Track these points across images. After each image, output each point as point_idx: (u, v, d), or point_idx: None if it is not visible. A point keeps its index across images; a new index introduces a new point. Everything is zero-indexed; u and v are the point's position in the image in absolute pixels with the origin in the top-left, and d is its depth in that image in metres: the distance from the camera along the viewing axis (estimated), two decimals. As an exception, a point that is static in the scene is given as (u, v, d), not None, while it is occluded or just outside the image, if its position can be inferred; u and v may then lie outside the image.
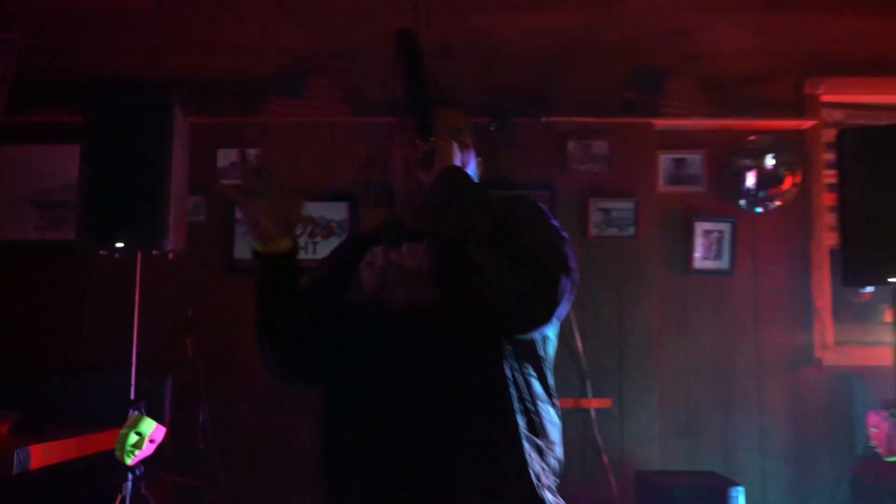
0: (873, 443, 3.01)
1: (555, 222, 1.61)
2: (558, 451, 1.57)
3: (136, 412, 2.74)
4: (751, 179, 4.06)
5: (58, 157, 4.09)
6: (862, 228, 2.76)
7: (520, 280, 1.38)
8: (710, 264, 4.06)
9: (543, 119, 3.97)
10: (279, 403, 3.74)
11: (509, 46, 4.15)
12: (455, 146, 1.58)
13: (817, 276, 4.04)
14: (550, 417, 1.55)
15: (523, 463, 1.44)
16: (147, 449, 2.73)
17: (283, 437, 3.76)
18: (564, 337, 3.77)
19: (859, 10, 4.11)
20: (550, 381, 1.62)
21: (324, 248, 3.95)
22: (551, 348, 1.65)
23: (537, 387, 1.56)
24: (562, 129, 4.00)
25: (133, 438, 2.69)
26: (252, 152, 3.99)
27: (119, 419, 2.88)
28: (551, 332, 1.62)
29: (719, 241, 4.07)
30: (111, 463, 2.78)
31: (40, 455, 2.72)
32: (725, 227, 4.06)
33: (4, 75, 4.21)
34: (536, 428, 1.51)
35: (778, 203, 4.03)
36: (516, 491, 1.44)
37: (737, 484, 3.11)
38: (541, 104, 4.00)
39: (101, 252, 2.80)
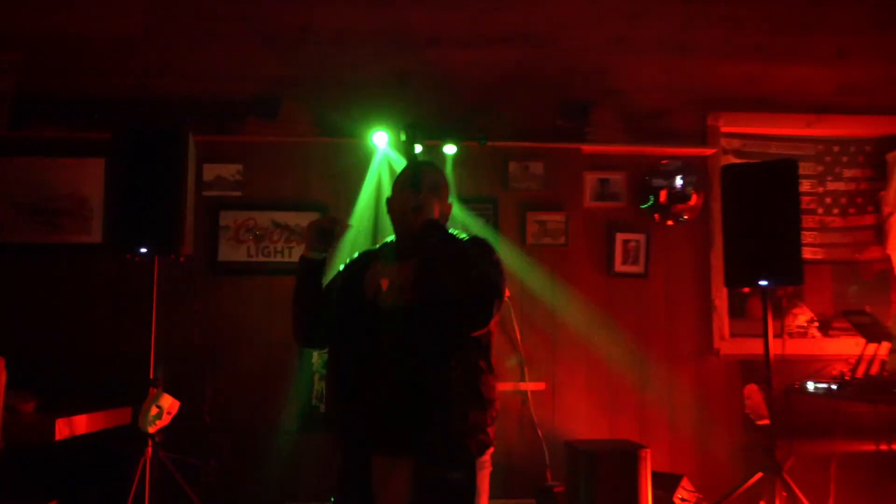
0: (748, 411, 3.71)
1: (497, 258, 2.32)
2: (495, 403, 2.25)
3: (156, 388, 3.25)
4: (663, 197, 4.76)
5: (57, 169, 4.53)
6: (739, 242, 3.49)
7: (469, 300, 2.11)
8: (628, 269, 4.74)
9: (488, 143, 4.56)
10: (251, 385, 4.28)
11: (457, 78, 4.75)
12: (434, 201, 2.28)
13: (716, 279, 4.74)
14: (486, 381, 2.23)
15: (461, 405, 2.13)
16: (165, 420, 3.26)
17: (255, 412, 4.30)
18: (506, 330, 4.43)
19: (748, 56, 4.88)
20: (488, 359, 2.30)
21: (298, 252, 4.49)
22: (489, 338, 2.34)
23: (473, 358, 2.24)
24: (504, 152, 4.63)
25: (154, 411, 3.21)
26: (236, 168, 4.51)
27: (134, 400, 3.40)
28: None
29: (636, 249, 4.76)
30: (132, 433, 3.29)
31: (77, 424, 3.23)
32: (641, 237, 4.75)
33: (5, 93, 4.62)
34: (470, 385, 2.19)
35: (685, 217, 4.73)
36: (447, 427, 2.11)
37: (646, 447, 3.79)
38: (485, 130, 4.60)
39: (127, 255, 3.30)
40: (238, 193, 4.55)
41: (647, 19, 4.87)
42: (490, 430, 2.23)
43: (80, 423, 3.27)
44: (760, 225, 3.40)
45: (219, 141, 4.50)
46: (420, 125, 4.40)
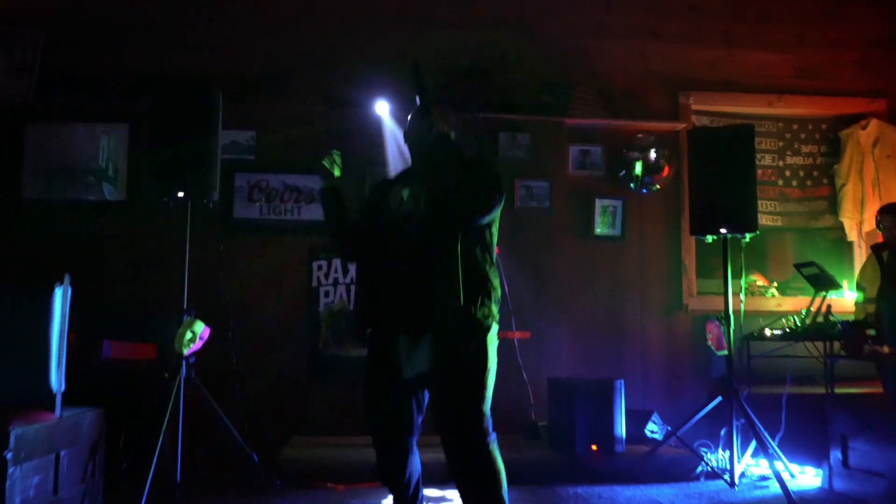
0: (710, 342, 4.19)
1: (498, 172, 2.70)
2: (497, 290, 2.63)
3: (189, 316, 3.67)
4: (638, 168, 5.24)
5: (80, 133, 4.93)
6: (702, 196, 3.97)
7: (475, 196, 2.52)
8: (607, 232, 5.24)
9: (480, 115, 5.01)
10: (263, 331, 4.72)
11: (451, 57, 5.19)
12: (443, 122, 2.69)
13: (686, 242, 5.25)
14: (490, 270, 2.62)
15: (463, 293, 2.51)
16: (197, 345, 3.67)
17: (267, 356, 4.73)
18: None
19: (714, 42, 5.42)
20: (491, 251, 2.67)
21: (307, 212, 4.94)
22: (494, 229, 2.70)
23: (478, 252, 2.61)
24: (494, 124, 5.09)
25: (188, 335, 3.62)
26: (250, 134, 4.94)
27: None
28: (490, 221, 2.67)
29: (614, 214, 5.25)
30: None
31: (115, 349, 3.64)
32: (619, 203, 5.24)
33: (31, 64, 5.01)
34: (476, 273, 2.57)
35: (658, 186, 5.23)
36: (460, 308, 2.50)
37: (619, 379, 4.26)
38: (478, 103, 5.06)
39: (164, 199, 3.72)
40: (251, 157, 4.96)
41: (622, 7, 5.38)
42: (495, 309, 2.61)
43: (120, 349, 3.69)
44: (721, 181, 3.87)
45: (234, 109, 4.88)
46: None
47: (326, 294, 4.94)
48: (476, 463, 2.49)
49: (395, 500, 2.74)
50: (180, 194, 3.68)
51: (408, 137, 2.85)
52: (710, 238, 4.07)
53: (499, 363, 2.67)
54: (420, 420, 2.66)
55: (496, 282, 2.66)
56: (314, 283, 4.94)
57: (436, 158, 2.62)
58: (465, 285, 2.51)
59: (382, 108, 4.89)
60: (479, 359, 2.54)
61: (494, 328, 2.62)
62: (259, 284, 4.84)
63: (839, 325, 4.12)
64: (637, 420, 4.58)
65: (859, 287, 4.64)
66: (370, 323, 2.69)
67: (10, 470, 2.57)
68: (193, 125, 3.72)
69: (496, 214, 2.66)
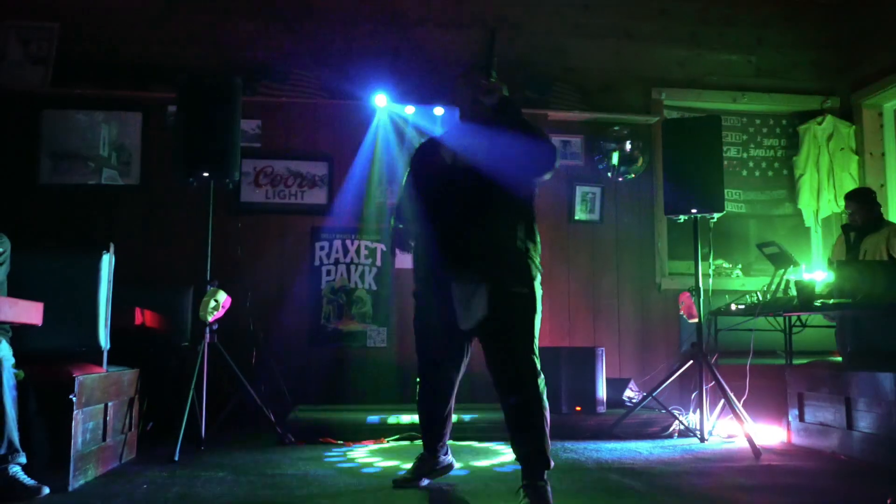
0: (682, 312, 4.62)
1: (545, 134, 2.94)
2: (539, 244, 2.92)
3: (212, 286, 4.01)
4: (615, 158, 5.68)
5: (94, 121, 5.23)
6: (675, 180, 4.40)
7: (535, 152, 2.78)
8: (586, 217, 5.66)
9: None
10: (266, 307, 5.06)
11: (441, 53, 5.58)
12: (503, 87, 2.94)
13: (659, 226, 5.71)
14: (534, 224, 2.92)
15: (518, 242, 2.81)
16: (219, 312, 4.01)
17: (270, 330, 5.08)
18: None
19: (681, 43, 5.90)
20: (533, 216, 2.95)
21: (309, 195, 5.29)
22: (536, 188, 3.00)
23: (528, 206, 2.91)
24: (483, 115, 5.48)
25: (212, 304, 3.96)
26: (256, 122, 5.28)
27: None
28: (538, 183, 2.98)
29: (593, 200, 5.67)
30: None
31: (148, 317, 3.96)
32: (597, 190, 5.67)
33: (47, 56, 5.29)
34: (528, 226, 2.87)
35: (633, 175, 5.67)
36: (515, 256, 2.81)
37: (600, 346, 4.69)
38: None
39: (190, 179, 4.06)
40: (258, 145, 5.30)
41: (599, 9, 5.84)
42: (538, 259, 2.88)
43: (149, 317, 4.01)
44: (692, 167, 4.31)
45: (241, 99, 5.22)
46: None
47: (328, 273, 5.29)
48: (528, 397, 2.71)
49: (428, 438, 3.04)
50: (205, 174, 4.01)
51: (458, 95, 3.00)
52: (682, 218, 4.50)
53: None
54: (466, 360, 2.93)
55: (538, 236, 2.93)
56: (316, 263, 5.30)
57: (503, 119, 2.80)
58: (519, 236, 2.78)
59: (381, 100, 5.27)
60: (530, 302, 2.78)
61: (539, 276, 2.87)
62: (264, 264, 5.17)
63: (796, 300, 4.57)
64: (615, 387, 5.01)
65: (830, 264, 5.11)
66: (426, 272, 2.92)
67: (75, 412, 2.89)
68: (218, 111, 4.05)
69: None
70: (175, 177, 4.12)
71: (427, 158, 3.02)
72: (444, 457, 3.15)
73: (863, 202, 4.83)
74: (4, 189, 5.07)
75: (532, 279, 2.83)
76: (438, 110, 5.35)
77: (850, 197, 4.98)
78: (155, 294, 4.62)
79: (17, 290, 3.06)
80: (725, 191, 5.77)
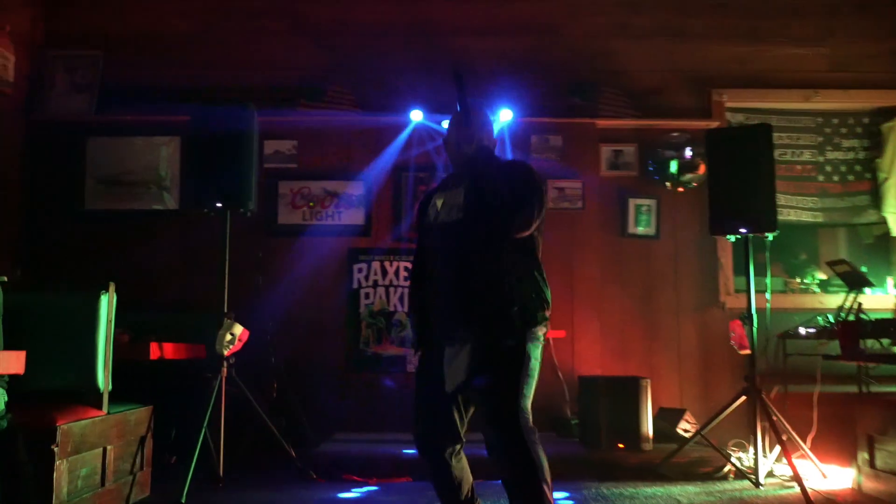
0: (732, 341, 4.20)
1: (536, 176, 2.65)
2: (543, 293, 2.62)
3: (229, 319, 3.91)
4: (674, 166, 5.28)
5: (136, 147, 5.26)
6: (721, 196, 4.00)
7: (516, 213, 2.55)
8: (641, 231, 5.29)
9: (512, 118, 5.12)
10: (303, 330, 4.95)
11: (478, 63, 5.29)
12: (481, 133, 2.74)
13: (722, 239, 5.24)
14: (531, 274, 2.62)
15: (504, 292, 2.54)
16: (236, 346, 3.91)
17: (307, 353, 4.95)
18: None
19: (741, 38, 5.41)
20: (534, 254, 2.66)
21: (346, 216, 5.15)
22: (537, 232, 2.69)
23: (519, 257, 2.59)
24: (525, 126, 5.20)
25: (228, 337, 3.86)
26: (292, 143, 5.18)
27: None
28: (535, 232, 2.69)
29: (648, 213, 5.29)
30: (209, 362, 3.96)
31: (167, 350, 3.90)
32: (653, 202, 5.28)
33: (91, 83, 5.37)
34: (517, 277, 2.56)
35: (694, 184, 5.24)
36: (500, 308, 2.52)
37: (646, 377, 4.33)
38: (507, 107, 5.15)
39: (204, 210, 3.98)
40: (294, 166, 5.21)
41: (646, 7, 5.44)
42: (539, 311, 2.57)
43: (169, 349, 3.95)
44: (740, 181, 3.90)
45: (276, 120, 5.16)
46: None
47: (367, 296, 5.14)
48: (512, 459, 2.46)
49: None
50: (218, 205, 3.92)
51: (448, 145, 2.85)
52: (731, 237, 4.09)
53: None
54: (463, 429, 2.66)
55: (541, 285, 2.63)
56: (354, 285, 5.15)
57: (475, 171, 2.63)
58: (503, 290, 2.52)
59: (416, 116, 5.07)
60: (515, 357, 2.52)
61: (539, 330, 2.58)
62: (302, 287, 5.06)
63: (870, 324, 4.09)
64: (669, 418, 4.64)
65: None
66: (421, 336, 2.73)
67: (57, 462, 2.83)
68: (230, 139, 3.95)
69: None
70: (188, 206, 4.04)
71: (421, 212, 2.85)
72: None
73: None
74: (54, 215, 5.18)
75: (520, 331, 2.54)
76: (478, 123, 5.09)
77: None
78: (191, 319, 4.58)
79: (15, 330, 3.03)
80: (799, 198, 5.36)
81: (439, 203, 2.73)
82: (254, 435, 4.09)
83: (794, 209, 5.40)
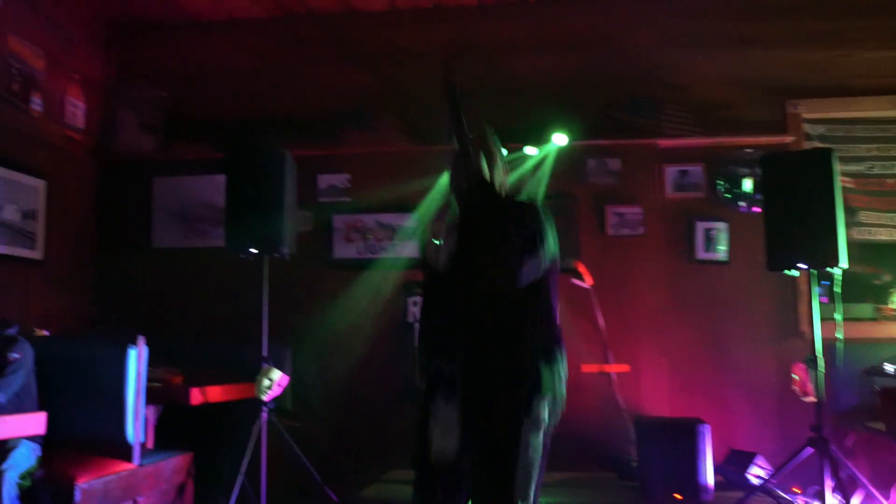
0: (795, 387, 3.82)
1: (539, 221, 2.45)
2: (554, 352, 2.39)
3: (267, 365, 3.91)
4: (748, 185, 4.92)
5: (198, 183, 5.39)
6: (778, 227, 3.65)
7: (503, 258, 2.39)
8: (710, 256, 4.94)
9: (567, 142, 4.89)
10: (360, 366, 4.88)
11: (529, 82, 5.13)
12: (487, 158, 2.58)
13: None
14: (540, 328, 2.42)
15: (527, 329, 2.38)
16: (276, 391, 3.91)
17: (364, 389, 4.89)
18: (589, 316, 4.76)
19: (819, 43, 4.95)
20: (546, 303, 2.43)
21: (400, 248, 5.09)
22: (552, 282, 2.47)
23: (523, 308, 2.40)
24: (582, 149, 4.96)
25: (266, 383, 3.86)
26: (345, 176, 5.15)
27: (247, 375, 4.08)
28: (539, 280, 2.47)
29: (717, 237, 4.94)
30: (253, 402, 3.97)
31: (209, 394, 3.94)
32: (722, 225, 4.93)
33: (157, 125, 5.54)
34: (536, 322, 2.39)
35: (770, 203, 4.86)
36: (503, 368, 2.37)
37: (704, 422, 4.02)
38: (562, 129, 4.91)
39: (241, 255, 4.00)
40: (347, 199, 5.19)
41: (710, 14, 5.07)
42: (547, 373, 2.35)
43: (214, 393, 3.98)
44: (799, 210, 3.55)
45: (329, 154, 5.17)
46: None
47: (421, 329, 5.05)
48: None
49: None
50: (253, 250, 3.93)
51: (450, 184, 2.67)
52: (792, 273, 3.74)
53: (596, 396, 2.29)
54: None
55: (549, 344, 2.38)
56: (409, 318, 5.07)
57: (472, 211, 2.45)
58: (502, 352, 2.33)
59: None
60: (513, 426, 2.30)
61: (543, 406, 2.32)
62: (356, 320, 5.02)
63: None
64: (738, 462, 4.30)
65: None
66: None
67: (79, 521, 2.89)
68: (265, 182, 3.95)
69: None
70: (229, 249, 4.07)
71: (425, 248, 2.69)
72: None
73: None
74: (123, 253, 5.36)
75: (531, 390, 2.32)
76: (530, 149, 4.91)
77: None
78: (253, 353, 4.64)
79: (49, 381, 3.15)
80: (891, 216, 4.90)
81: (430, 247, 2.56)
82: (295, 478, 4.08)
83: (885, 227, 4.92)
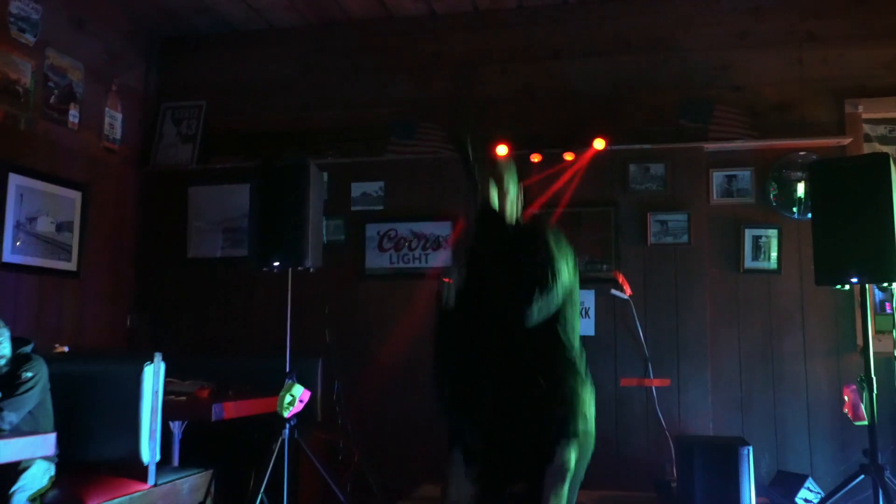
0: (845, 410, 3.55)
1: (550, 251, 2.38)
2: (575, 383, 2.33)
3: (290, 380, 3.84)
4: (801, 190, 4.64)
5: (235, 193, 5.34)
6: (828, 239, 3.38)
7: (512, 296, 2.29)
8: (759, 265, 4.68)
9: (608, 147, 4.71)
10: (393, 378, 4.78)
11: (579, 86, 4.99)
12: (499, 186, 2.49)
13: (859, 272, 4.54)
14: (560, 360, 2.35)
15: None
16: (297, 407, 3.83)
17: (396, 402, 4.78)
18: (629, 327, 4.57)
19: (884, 39, 4.64)
20: (566, 333, 2.38)
21: (433, 258, 4.96)
22: (570, 306, 2.42)
23: (551, 336, 2.34)
24: (623, 154, 4.75)
25: (288, 399, 3.78)
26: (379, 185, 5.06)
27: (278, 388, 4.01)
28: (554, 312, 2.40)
29: (767, 244, 4.67)
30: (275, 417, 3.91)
31: (230, 409, 3.89)
32: (773, 232, 4.66)
33: (195, 134, 5.54)
34: (539, 370, 2.32)
35: (825, 209, 4.57)
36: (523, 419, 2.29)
37: (747, 444, 3.77)
38: (605, 134, 4.74)
39: (264, 269, 3.94)
40: (381, 207, 5.09)
41: (771, 10, 4.80)
42: (580, 406, 2.31)
43: (239, 408, 3.92)
44: (851, 220, 3.28)
45: (365, 161, 5.10)
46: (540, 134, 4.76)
47: (455, 340, 4.92)
48: None
49: None
50: (276, 263, 3.86)
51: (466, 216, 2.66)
52: (843, 287, 3.47)
53: (637, 413, 2.21)
54: None
55: (568, 374, 2.30)
56: (443, 330, 4.94)
57: (479, 244, 2.41)
58: (533, 388, 2.28)
59: (501, 150, 4.79)
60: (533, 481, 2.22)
61: (569, 451, 2.21)
62: (389, 331, 4.93)
63: None
64: (787, 484, 4.06)
65: None
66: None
67: (89, 543, 2.85)
68: (290, 195, 3.88)
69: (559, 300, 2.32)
70: (249, 265, 4.01)
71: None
72: None
73: None
74: (159, 263, 5.38)
75: (557, 434, 2.22)
76: (568, 155, 4.73)
77: None
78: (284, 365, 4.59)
79: (65, 400, 3.14)
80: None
81: (444, 285, 2.53)
82: (321, 495, 4.00)
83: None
